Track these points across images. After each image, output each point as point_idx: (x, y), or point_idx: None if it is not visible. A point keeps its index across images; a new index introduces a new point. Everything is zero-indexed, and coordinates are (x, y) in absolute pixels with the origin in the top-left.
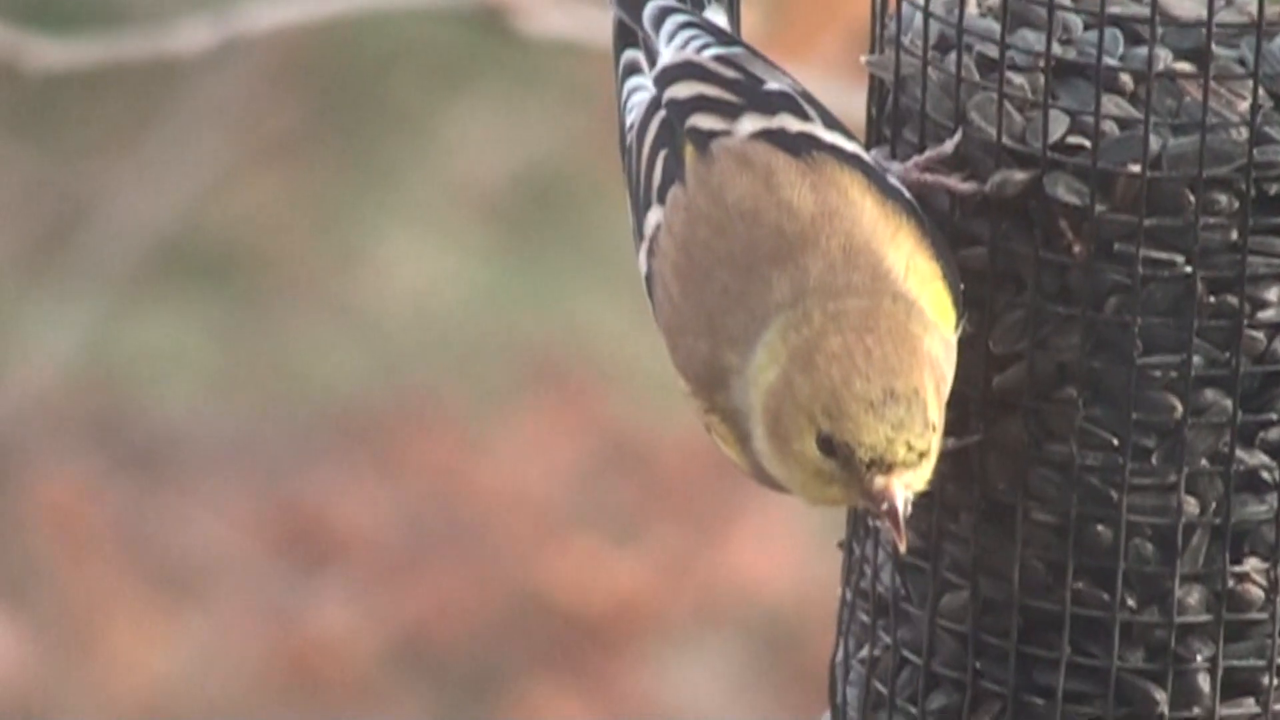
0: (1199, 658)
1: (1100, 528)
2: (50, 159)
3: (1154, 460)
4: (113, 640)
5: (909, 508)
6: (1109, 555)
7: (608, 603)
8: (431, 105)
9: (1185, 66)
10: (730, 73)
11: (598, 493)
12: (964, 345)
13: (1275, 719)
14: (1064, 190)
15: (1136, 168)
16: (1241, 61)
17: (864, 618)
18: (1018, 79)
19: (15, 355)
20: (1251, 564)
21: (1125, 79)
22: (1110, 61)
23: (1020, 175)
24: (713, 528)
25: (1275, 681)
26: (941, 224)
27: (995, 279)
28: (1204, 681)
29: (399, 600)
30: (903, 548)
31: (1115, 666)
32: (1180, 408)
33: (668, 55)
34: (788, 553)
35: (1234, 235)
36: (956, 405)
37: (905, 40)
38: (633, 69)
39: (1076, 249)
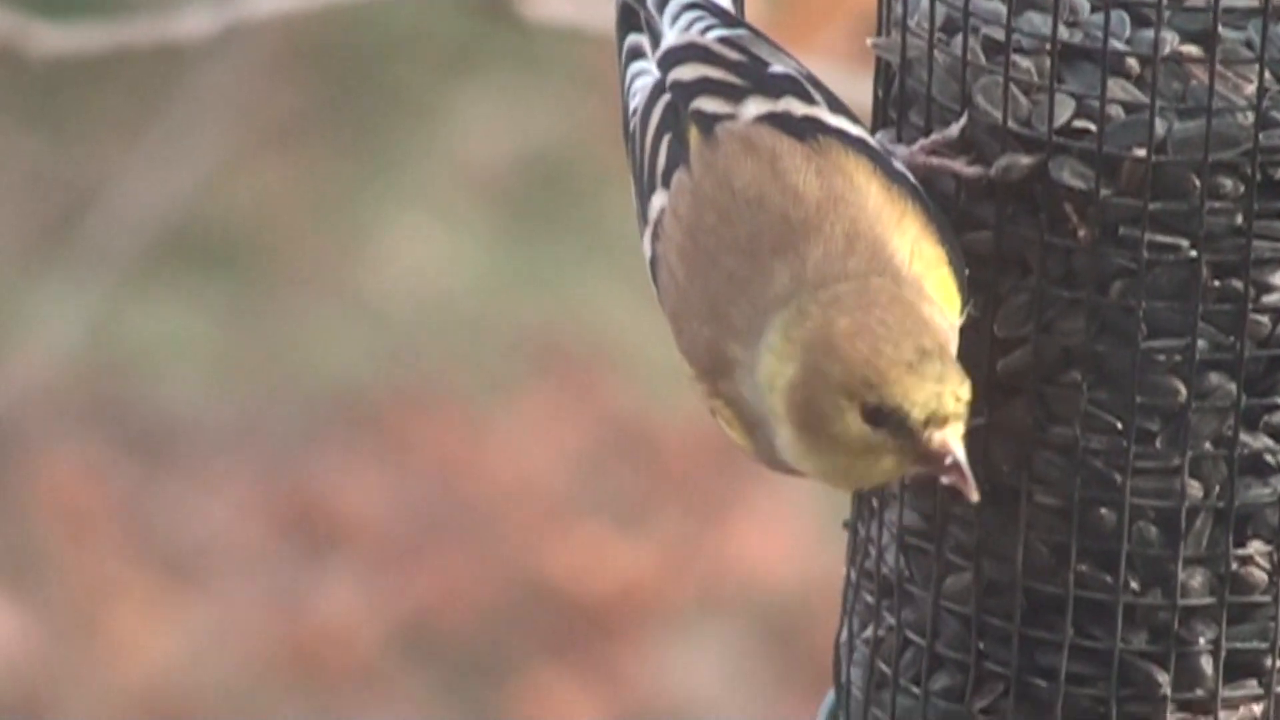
0: (1202, 640)
1: (1104, 510)
2: (54, 146)
3: (1158, 444)
4: (116, 625)
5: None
6: (1112, 538)
7: (612, 588)
8: (436, 91)
9: (1192, 50)
10: (735, 55)
11: (602, 478)
12: (969, 329)
13: (1278, 701)
14: (1069, 174)
15: (1142, 152)
16: (1248, 45)
17: (868, 598)
18: (1024, 62)
19: (20, 341)
20: (1255, 547)
21: (1131, 62)
22: (1117, 45)
23: (1026, 159)
24: (716, 514)
25: (1278, 663)
26: (947, 208)
27: (1000, 263)
28: (1207, 664)
29: (403, 586)
30: (975, 497)
31: (1118, 649)
32: (1184, 391)
33: (671, 37)
34: (791, 539)
35: (1239, 219)
36: None
37: (911, 23)
38: (636, 53)
39: (1082, 233)
